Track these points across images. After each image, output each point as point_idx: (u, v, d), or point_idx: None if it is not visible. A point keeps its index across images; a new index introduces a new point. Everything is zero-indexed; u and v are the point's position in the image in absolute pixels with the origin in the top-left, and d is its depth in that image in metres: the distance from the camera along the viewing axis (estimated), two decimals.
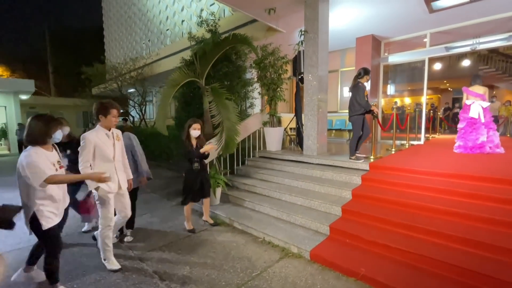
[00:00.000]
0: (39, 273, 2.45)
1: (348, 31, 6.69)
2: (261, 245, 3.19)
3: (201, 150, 3.47)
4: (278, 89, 5.56)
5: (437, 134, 9.19)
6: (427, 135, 7.58)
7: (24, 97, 14.69)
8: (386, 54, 7.44)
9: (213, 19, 6.29)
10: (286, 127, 6.22)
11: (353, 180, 3.88)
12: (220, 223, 3.87)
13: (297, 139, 5.78)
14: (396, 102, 9.56)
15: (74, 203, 3.41)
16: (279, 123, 6.04)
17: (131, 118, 13.45)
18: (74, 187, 3.29)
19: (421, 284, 2.21)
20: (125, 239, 3.34)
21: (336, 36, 6.67)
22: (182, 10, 12.91)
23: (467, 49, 6.25)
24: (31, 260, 2.42)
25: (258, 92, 6.29)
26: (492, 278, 2.08)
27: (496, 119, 8.10)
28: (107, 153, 2.58)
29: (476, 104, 4.82)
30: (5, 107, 13.30)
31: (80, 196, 3.52)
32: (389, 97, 8.69)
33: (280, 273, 2.61)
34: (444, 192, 3.11)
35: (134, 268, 2.72)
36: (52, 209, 2.16)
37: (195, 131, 3.45)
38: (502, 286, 2.04)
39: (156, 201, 5.04)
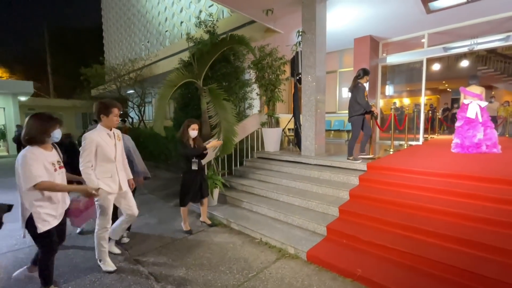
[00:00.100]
0: None
1: (346, 32, 6.69)
2: (258, 246, 3.18)
3: (208, 146, 3.48)
4: (276, 89, 5.57)
5: (436, 134, 9.19)
6: (425, 136, 7.58)
7: (23, 98, 14.66)
8: (384, 54, 7.45)
9: (211, 20, 6.31)
10: (284, 128, 6.22)
11: (351, 180, 3.88)
12: (218, 224, 3.86)
13: (295, 139, 5.78)
14: (395, 103, 9.56)
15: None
16: (277, 123, 6.03)
17: (130, 120, 13.44)
18: None
19: (417, 285, 2.20)
20: (122, 240, 3.32)
21: (334, 37, 6.68)
22: (181, 11, 12.95)
23: (465, 49, 6.25)
24: (36, 260, 2.37)
25: (256, 93, 6.29)
26: (489, 279, 2.07)
27: (494, 120, 8.11)
28: (109, 153, 2.54)
29: (474, 103, 4.83)
30: (4, 108, 13.27)
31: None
32: (388, 98, 8.69)
33: (276, 274, 2.59)
34: (442, 192, 3.10)
35: (130, 269, 2.71)
36: (50, 211, 2.12)
37: (193, 131, 3.45)
38: (499, 287, 2.03)
39: (154, 202, 5.02)
